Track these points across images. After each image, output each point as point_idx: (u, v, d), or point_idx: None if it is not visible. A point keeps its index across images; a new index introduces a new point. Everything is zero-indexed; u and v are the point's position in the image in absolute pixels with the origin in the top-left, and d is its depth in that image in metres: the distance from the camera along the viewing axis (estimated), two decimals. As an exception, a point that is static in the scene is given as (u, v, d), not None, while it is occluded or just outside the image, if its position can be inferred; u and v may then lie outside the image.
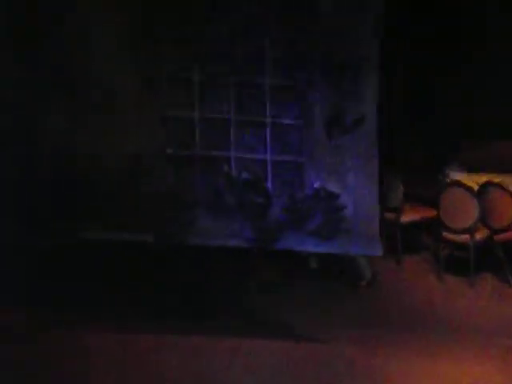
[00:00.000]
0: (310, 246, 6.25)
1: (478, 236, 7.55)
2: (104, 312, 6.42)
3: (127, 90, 6.29)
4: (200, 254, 6.57)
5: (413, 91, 9.37)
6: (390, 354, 5.88)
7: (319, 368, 5.70)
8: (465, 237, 7.54)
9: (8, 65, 6.31)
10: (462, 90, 8.99)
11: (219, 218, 6.24)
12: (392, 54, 8.67)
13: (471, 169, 8.35)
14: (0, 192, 6.24)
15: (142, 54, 6.27)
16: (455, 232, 7.60)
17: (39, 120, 6.35)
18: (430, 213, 8.08)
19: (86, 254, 6.49)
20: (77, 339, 5.98)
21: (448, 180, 8.20)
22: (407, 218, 8.26)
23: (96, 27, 6.25)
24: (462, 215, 7.54)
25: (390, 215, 8.15)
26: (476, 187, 7.68)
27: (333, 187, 6.12)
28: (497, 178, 7.83)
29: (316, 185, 6.15)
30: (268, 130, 6.20)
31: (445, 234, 7.68)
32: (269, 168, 6.22)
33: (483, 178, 7.89)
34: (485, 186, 7.68)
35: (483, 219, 7.55)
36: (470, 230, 7.50)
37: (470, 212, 7.47)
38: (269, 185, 6.23)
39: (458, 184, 7.71)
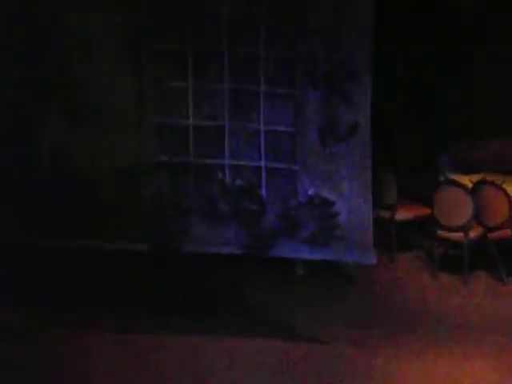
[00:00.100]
0: (305, 253, 6.28)
1: (472, 234, 7.58)
2: (104, 312, 6.43)
3: (121, 98, 6.30)
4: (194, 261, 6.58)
5: (413, 91, 9.37)
6: (390, 353, 5.88)
7: (319, 368, 5.70)
8: (459, 235, 7.56)
9: (8, 65, 6.31)
10: (461, 89, 8.99)
11: (213, 226, 6.25)
12: (392, 53, 8.71)
13: (467, 169, 8.36)
14: (0, 192, 6.25)
15: (136, 63, 6.28)
16: (449, 230, 7.62)
17: (39, 120, 6.36)
18: (424, 211, 8.12)
19: (86, 254, 6.49)
20: (77, 339, 5.98)
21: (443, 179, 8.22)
22: (401, 216, 8.28)
23: (91, 37, 6.26)
24: (456, 213, 7.56)
25: (384, 213, 8.19)
26: (470, 185, 7.70)
27: (327, 194, 6.14)
28: (496, 178, 7.84)
29: (310, 192, 6.17)
30: (262, 138, 6.22)
31: (439, 232, 7.71)
32: (263, 175, 6.24)
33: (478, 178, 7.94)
34: (479, 184, 7.70)
35: (477, 217, 7.57)
36: (464, 228, 7.52)
37: (464, 210, 7.50)
38: (263, 192, 6.24)
39: (452, 182, 7.73)
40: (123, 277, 6.97)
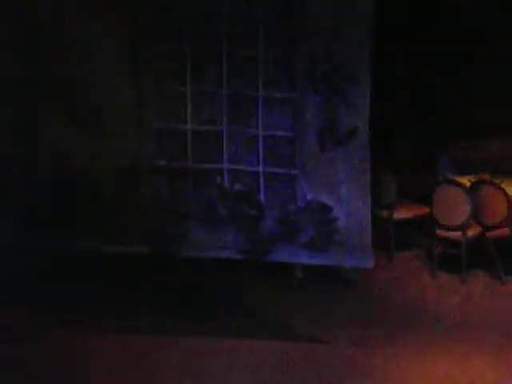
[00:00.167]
0: (304, 258, 6.29)
1: (470, 233, 7.59)
2: (104, 312, 6.43)
3: (120, 102, 6.30)
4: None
5: (413, 91, 9.37)
6: (390, 353, 5.88)
7: (319, 368, 5.70)
8: (457, 234, 7.58)
9: (8, 65, 6.31)
10: (462, 89, 8.99)
11: (212, 230, 6.27)
12: (392, 53, 8.70)
13: (467, 169, 8.37)
14: (0, 192, 6.25)
15: (135, 67, 6.29)
16: (448, 229, 7.63)
17: (39, 120, 6.36)
18: (423, 210, 8.14)
19: (86, 254, 6.49)
20: (77, 339, 5.98)
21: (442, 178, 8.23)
22: (400, 215, 8.30)
23: (90, 43, 6.26)
24: (454, 212, 7.57)
25: (383, 212, 8.21)
26: (468, 184, 7.71)
27: (326, 199, 6.15)
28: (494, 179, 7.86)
29: (309, 197, 6.17)
30: (261, 142, 6.23)
31: (438, 231, 7.72)
32: (261, 180, 6.25)
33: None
34: (477, 183, 7.71)
35: (475, 216, 7.58)
36: (463, 227, 7.52)
37: (462, 209, 7.50)
38: (261, 197, 6.26)
39: (451, 181, 7.74)
40: (123, 278, 6.96)
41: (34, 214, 6.30)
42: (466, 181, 7.85)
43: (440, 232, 7.72)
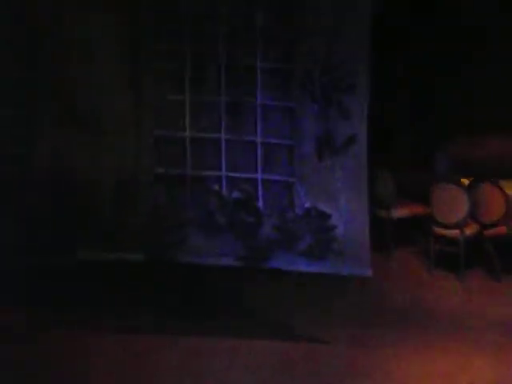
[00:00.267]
0: (302, 266, 6.32)
1: (468, 231, 7.60)
2: (104, 312, 6.43)
3: (119, 109, 6.31)
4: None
5: (413, 91, 9.37)
6: (389, 353, 5.88)
7: (319, 368, 5.70)
8: (455, 232, 7.58)
9: (8, 65, 6.31)
10: (462, 89, 8.99)
11: (210, 237, 6.30)
12: (392, 53, 8.71)
13: (467, 169, 8.37)
14: (0, 192, 6.25)
15: (135, 75, 6.29)
16: (446, 227, 7.64)
17: (39, 120, 6.36)
18: (421, 208, 8.15)
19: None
20: (77, 339, 5.98)
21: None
22: (399, 213, 8.31)
23: (90, 43, 6.27)
24: (452, 210, 7.57)
25: (381, 211, 8.22)
26: (466, 182, 7.72)
27: (324, 207, 6.17)
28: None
29: (307, 204, 6.19)
30: (259, 150, 6.24)
31: (435, 229, 7.73)
32: (260, 187, 6.27)
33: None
34: (475, 182, 7.72)
35: (473, 214, 7.59)
36: (461, 225, 7.53)
37: (460, 207, 7.51)
38: (260, 204, 6.27)
39: (449, 180, 7.75)
40: (123, 278, 6.96)
41: (33, 214, 6.31)
42: (464, 179, 7.86)
43: (438, 230, 7.73)
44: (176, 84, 6.26)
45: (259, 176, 6.27)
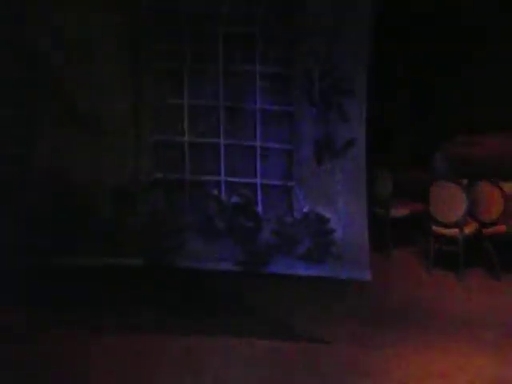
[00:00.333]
0: (301, 270, 6.32)
1: (467, 230, 7.62)
2: (104, 311, 6.43)
3: (117, 114, 6.31)
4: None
5: (413, 91, 9.38)
6: (389, 352, 5.89)
7: (319, 366, 5.70)
8: (454, 230, 7.60)
9: (8, 65, 6.31)
10: (462, 89, 9.00)
11: (209, 242, 6.30)
12: (392, 53, 8.71)
13: (466, 169, 8.38)
14: (0, 192, 6.25)
15: (133, 79, 6.30)
16: (444, 226, 7.64)
17: (39, 120, 6.36)
18: (420, 207, 8.15)
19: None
20: (77, 339, 5.98)
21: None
22: (397, 212, 8.31)
23: (90, 43, 6.27)
24: (451, 209, 7.58)
25: (380, 210, 8.22)
26: (465, 181, 7.74)
27: (322, 211, 6.17)
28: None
29: (306, 208, 6.19)
30: (258, 154, 6.24)
31: (434, 228, 7.74)
32: (259, 192, 6.27)
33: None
34: (474, 180, 7.72)
35: (472, 213, 7.59)
36: (459, 224, 7.53)
37: (459, 206, 7.52)
38: (259, 209, 6.28)
39: (448, 179, 7.76)
40: (122, 278, 6.96)
41: (33, 214, 6.31)
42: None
43: (437, 229, 7.75)
44: (176, 85, 6.26)
45: (258, 180, 6.28)
